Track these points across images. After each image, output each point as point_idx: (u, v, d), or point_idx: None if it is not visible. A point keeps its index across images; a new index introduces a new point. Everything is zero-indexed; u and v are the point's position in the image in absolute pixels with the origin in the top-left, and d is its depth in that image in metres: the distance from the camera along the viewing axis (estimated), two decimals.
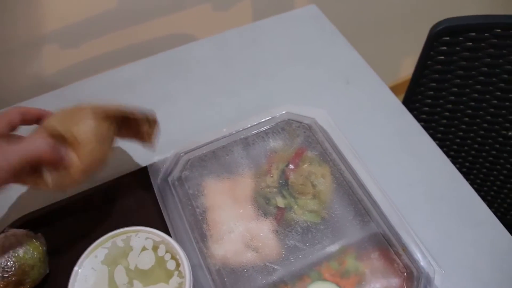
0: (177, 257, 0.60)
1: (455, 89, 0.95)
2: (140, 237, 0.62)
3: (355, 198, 0.66)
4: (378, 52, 1.46)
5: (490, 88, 0.93)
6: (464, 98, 0.95)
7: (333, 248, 0.63)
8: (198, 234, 0.64)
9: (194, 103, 0.88)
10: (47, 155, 0.55)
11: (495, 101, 0.94)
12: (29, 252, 0.62)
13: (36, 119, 0.61)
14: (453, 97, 0.96)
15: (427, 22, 0.96)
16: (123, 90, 0.92)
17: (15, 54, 1.08)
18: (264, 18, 1.05)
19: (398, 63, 1.81)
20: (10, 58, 1.08)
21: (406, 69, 1.81)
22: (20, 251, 0.61)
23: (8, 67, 1.10)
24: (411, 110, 0.87)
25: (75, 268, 0.59)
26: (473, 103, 0.96)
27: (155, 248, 0.62)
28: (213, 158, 0.71)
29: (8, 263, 0.60)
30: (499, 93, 0.92)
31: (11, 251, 0.61)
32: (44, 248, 0.65)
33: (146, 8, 1.15)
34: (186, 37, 1.25)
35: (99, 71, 1.01)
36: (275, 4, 1.30)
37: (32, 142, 0.56)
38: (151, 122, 0.66)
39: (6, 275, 0.59)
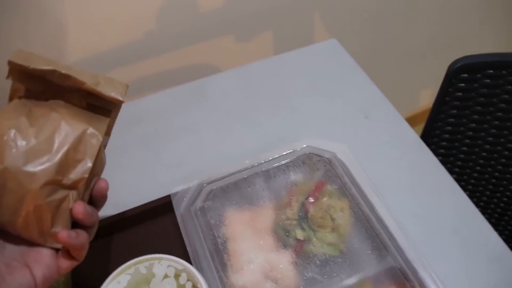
0: (198, 285, 0.61)
1: (473, 125, 0.96)
2: (162, 264, 0.64)
3: (373, 232, 0.68)
4: (397, 84, 1.48)
5: (508, 124, 0.94)
6: (482, 134, 0.97)
7: (350, 281, 0.64)
8: (218, 264, 0.66)
9: (216, 134, 0.90)
10: None
11: None
12: None
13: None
14: (471, 133, 0.97)
15: (445, 55, 0.98)
16: (146, 120, 0.95)
17: None
18: (285, 51, 1.08)
19: (417, 94, 1.83)
20: None
21: (425, 99, 1.83)
22: None
23: None
24: (429, 144, 0.88)
25: None
26: (491, 139, 0.97)
27: (176, 276, 0.64)
28: (235, 189, 0.73)
29: None
30: None
31: None
32: (68, 272, 0.66)
33: (170, 39, 1.19)
34: (208, 69, 1.29)
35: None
36: (296, 37, 1.34)
37: None
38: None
39: None
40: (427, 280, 0.63)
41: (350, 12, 1.37)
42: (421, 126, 1.04)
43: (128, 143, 0.91)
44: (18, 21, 0.99)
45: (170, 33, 1.17)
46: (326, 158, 0.75)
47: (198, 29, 1.20)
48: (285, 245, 0.67)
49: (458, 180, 0.83)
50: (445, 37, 1.63)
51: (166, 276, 0.64)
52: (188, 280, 0.63)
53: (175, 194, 0.72)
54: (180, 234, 0.70)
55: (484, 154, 0.99)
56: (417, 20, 1.53)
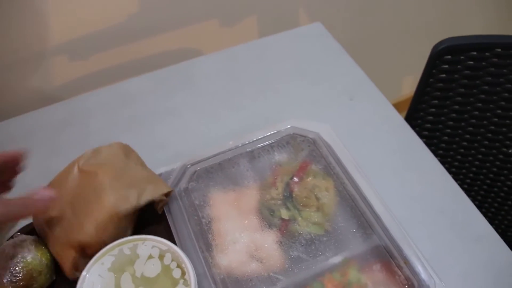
0: (183, 265, 0.61)
1: (457, 107, 0.97)
2: (146, 245, 0.64)
3: (358, 211, 0.68)
4: (381, 70, 1.48)
5: (491, 106, 0.94)
6: (465, 116, 0.97)
7: (336, 259, 0.64)
8: (203, 244, 0.65)
9: (200, 116, 0.90)
10: None
11: (496, 119, 0.95)
12: (37, 258, 0.63)
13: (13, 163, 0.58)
14: (454, 115, 0.98)
15: (430, 40, 0.98)
16: (130, 103, 0.94)
17: (24, 64, 1.10)
18: (269, 35, 1.07)
19: (401, 81, 1.84)
20: (19, 68, 1.11)
21: (409, 87, 1.83)
22: (29, 257, 0.62)
23: (16, 77, 1.13)
24: (413, 126, 0.88)
25: (83, 273, 0.60)
26: (474, 121, 0.97)
27: (161, 257, 0.63)
28: (219, 170, 0.72)
29: (17, 268, 0.61)
30: (499, 111, 0.94)
31: (19, 256, 0.62)
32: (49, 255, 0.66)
33: (154, 23, 1.17)
34: (193, 52, 1.27)
35: (106, 84, 1.03)
36: (280, 21, 1.33)
37: None
38: None
39: (14, 280, 0.60)
40: (412, 258, 0.64)
41: None
42: (405, 114, 1.04)
43: (112, 125, 0.90)
44: None
45: (153, 17, 1.16)
46: (310, 138, 0.75)
47: (182, 13, 1.18)
48: (270, 225, 0.67)
49: (442, 162, 0.83)
50: (432, 22, 1.64)
51: (150, 256, 0.64)
52: (172, 260, 0.62)
53: (159, 175, 0.71)
54: (165, 215, 0.69)
55: (468, 136, 1.00)
56: (404, 3, 1.53)
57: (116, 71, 1.21)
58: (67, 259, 0.64)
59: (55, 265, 0.66)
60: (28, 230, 0.71)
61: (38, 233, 0.68)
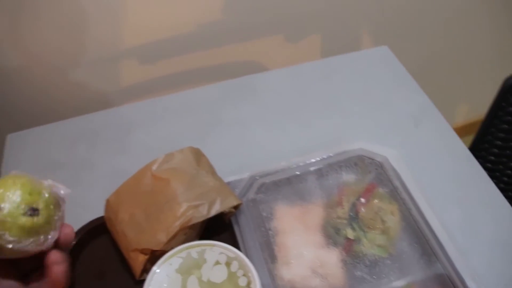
0: (249, 274, 0.62)
1: None
2: (214, 251, 0.66)
3: (423, 238, 0.68)
4: (442, 95, 1.47)
5: None
6: None
7: (399, 283, 0.65)
8: (268, 255, 0.67)
9: (266, 129, 0.92)
10: None
11: None
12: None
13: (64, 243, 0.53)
14: None
15: (496, 72, 0.98)
16: (197, 110, 0.97)
17: (96, 64, 1.15)
18: (331, 55, 1.09)
19: (456, 108, 1.82)
20: (91, 67, 1.16)
21: (463, 115, 1.81)
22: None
23: (88, 76, 1.18)
24: (476, 157, 0.88)
25: (154, 268, 0.62)
26: None
27: (228, 264, 0.65)
28: (287, 185, 0.74)
29: None
30: None
31: None
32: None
33: (222, 34, 1.21)
34: (256, 65, 1.30)
35: (170, 90, 1.06)
36: (343, 43, 1.35)
37: None
38: None
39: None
40: None
41: (402, 20, 1.37)
42: (470, 138, 1.04)
43: (179, 130, 0.93)
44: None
45: (220, 28, 1.19)
46: (378, 161, 0.76)
47: (249, 26, 1.22)
48: (334, 243, 0.68)
49: (504, 192, 0.83)
50: (504, 53, 1.62)
51: (217, 262, 0.66)
52: (239, 268, 0.64)
53: (227, 184, 0.73)
54: (231, 223, 0.71)
55: None
56: (472, 33, 1.52)
57: (180, 78, 1.25)
58: (138, 263, 0.66)
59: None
60: (99, 223, 0.74)
61: (109, 230, 0.71)
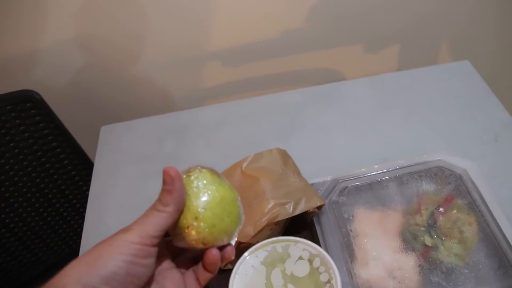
0: (331, 271, 0.67)
1: None
2: (298, 247, 0.70)
3: (500, 250, 0.70)
4: None
5: None
6: None
7: None
8: (348, 255, 0.71)
9: (347, 136, 0.96)
10: None
11: None
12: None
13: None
14: None
15: None
16: (281, 114, 1.02)
17: (185, 64, 1.23)
18: (407, 68, 1.11)
19: None
20: (180, 67, 1.23)
21: None
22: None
23: (177, 76, 1.25)
24: None
25: (245, 254, 0.68)
26: None
27: (310, 260, 0.70)
28: (368, 189, 0.78)
29: None
30: None
31: None
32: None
33: (304, 41, 1.26)
34: (334, 73, 1.34)
35: (250, 92, 1.12)
36: (421, 56, 1.36)
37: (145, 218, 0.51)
38: None
39: None
40: None
41: (483, 33, 1.36)
42: None
43: (263, 131, 0.99)
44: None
45: (303, 36, 1.24)
46: (458, 173, 0.78)
47: (330, 35, 1.26)
48: (412, 249, 0.71)
49: None
50: None
51: (300, 258, 0.70)
52: (321, 264, 0.69)
53: (312, 185, 0.78)
54: (313, 222, 0.76)
55: None
56: None
57: (261, 82, 1.31)
58: None
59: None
60: None
61: None
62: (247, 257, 0.69)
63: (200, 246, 0.51)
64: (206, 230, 0.50)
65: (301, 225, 0.78)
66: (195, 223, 0.50)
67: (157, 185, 0.87)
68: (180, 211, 0.50)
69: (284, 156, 0.78)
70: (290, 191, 0.73)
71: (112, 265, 0.45)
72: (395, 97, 1.03)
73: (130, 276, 0.46)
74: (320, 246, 0.71)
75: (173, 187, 0.49)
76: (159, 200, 0.50)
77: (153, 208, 0.50)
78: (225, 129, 1.02)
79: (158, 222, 0.49)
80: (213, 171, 0.54)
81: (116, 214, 0.89)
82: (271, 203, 0.70)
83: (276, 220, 0.70)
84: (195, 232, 0.50)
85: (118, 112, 1.26)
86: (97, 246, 0.47)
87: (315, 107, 1.03)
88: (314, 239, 0.74)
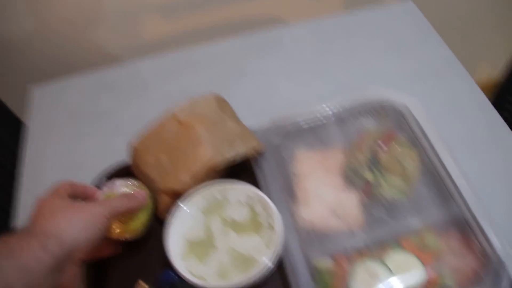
0: (270, 213, 0.65)
1: None
2: (237, 191, 0.68)
3: (440, 181, 0.69)
4: (470, 51, 1.45)
5: None
6: None
7: (415, 223, 0.66)
8: (289, 196, 0.69)
9: (289, 80, 0.93)
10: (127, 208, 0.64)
11: None
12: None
13: (83, 196, 0.65)
14: None
15: None
16: (221, 62, 0.99)
17: (118, 19, 1.16)
18: (354, 8, 1.08)
19: (478, 65, 1.79)
20: (117, 21, 1.17)
21: (484, 71, 1.78)
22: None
23: (116, 30, 1.19)
24: (498, 109, 0.88)
25: (179, 204, 0.66)
26: None
27: (250, 203, 0.68)
28: (308, 130, 0.76)
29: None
30: None
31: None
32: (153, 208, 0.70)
33: None
34: (276, 19, 1.29)
35: (193, 43, 1.07)
36: None
37: (114, 200, 0.63)
38: None
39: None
40: (490, 233, 0.65)
41: None
42: (491, 96, 1.03)
43: (202, 84, 0.95)
44: None
45: None
46: (399, 108, 0.77)
47: None
48: (354, 186, 0.70)
49: None
50: None
51: (239, 202, 0.68)
52: (261, 207, 0.67)
53: (250, 130, 0.75)
54: (253, 168, 0.73)
55: None
56: None
57: (203, 32, 1.25)
58: (163, 204, 0.69)
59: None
60: (123, 167, 0.77)
61: (135, 174, 0.74)
62: (182, 206, 0.66)
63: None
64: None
65: (241, 171, 0.75)
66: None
67: (95, 144, 0.83)
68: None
69: (221, 102, 0.75)
70: (227, 136, 0.70)
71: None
72: (337, 40, 1.01)
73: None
74: (261, 190, 0.69)
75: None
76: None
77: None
78: (164, 81, 0.97)
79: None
80: None
81: (54, 175, 0.84)
82: (208, 150, 0.67)
83: (214, 167, 0.67)
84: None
85: (48, 69, 1.18)
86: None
87: (255, 54, 0.99)
88: (255, 184, 0.71)
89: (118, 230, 0.66)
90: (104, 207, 0.59)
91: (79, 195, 0.64)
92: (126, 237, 0.67)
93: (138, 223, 0.67)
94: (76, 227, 0.55)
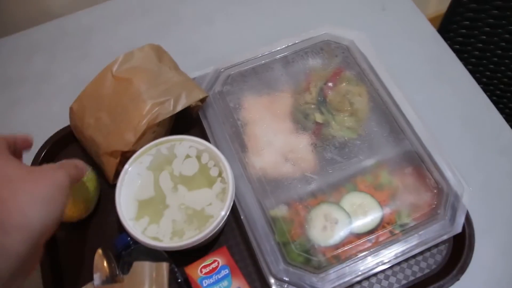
0: (220, 164, 0.62)
1: (491, 20, 0.94)
2: (184, 145, 0.65)
3: (391, 117, 0.68)
4: None
5: None
6: (499, 30, 0.95)
7: (368, 162, 0.66)
8: (238, 145, 0.67)
9: (232, 23, 0.89)
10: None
11: None
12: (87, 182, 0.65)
13: (22, 147, 0.51)
14: (488, 28, 0.96)
15: None
16: (158, 10, 0.93)
17: None
18: None
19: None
20: None
21: (435, 5, 1.77)
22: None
23: None
24: (445, 39, 0.87)
25: (125, 166, 0.62)
26: (507, 36, 0.95)
27: (198, 156, 0.65)
28: (253, 75, 0.72)
29: None
30: None
31: None
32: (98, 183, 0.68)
33: None
34: None
35: None
36: None
37: (67, 164, 0.49)
38: None
39: None
40: (442, 164, 0.65)
41: None
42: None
43: (141, 30, 0.89)
44: None
45: None
46: (344, 45, 0.74)
47: None
48: (304, 128, 0.68)
49: (472, 74, 0.83)
50: None
51: (187, 156, 0.65)
52: (210, 159, 0.64)
53: (193, 79, 0.71)
54: (199, 118, 0.70)
55: (499, 51, 0.98)
56: None
57: None
58: (109, 167, 0.66)
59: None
60: (66, 133, 0.72)
61: (77, 138, 0.70)
62: (129, 168, 0.63)
63: None
64: None
65: (187, 123, 0.72)
66: None
67: (33, 111, 0.77)
68: None
69: (159, 51, 0.71)
70: (168, 87, 0.66)
71: None
72: None
73: None
74: (209, 141, 0.66)
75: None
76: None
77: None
78: (98, 35, 0.91)
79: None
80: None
81: None
82: (149, 104, 0.64)
83: (157, 121, 0.63)
84: None
85: None
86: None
87: None
88: (203, 134, 0.68)
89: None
90: (64, 171, 0.45)
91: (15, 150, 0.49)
92: (74, 219, 0.64)
93: (86, 201, 0.64)
94: (43, 206, 0.40)
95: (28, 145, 0.52)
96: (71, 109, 0.69)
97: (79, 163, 0.55)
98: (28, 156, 0.70)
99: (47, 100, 0.83)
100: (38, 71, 0.88)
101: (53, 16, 0.95)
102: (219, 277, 0.59)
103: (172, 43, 0.77)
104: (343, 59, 0.73)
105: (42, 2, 1.11)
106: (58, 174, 0.44)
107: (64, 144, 0.73)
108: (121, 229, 0.60)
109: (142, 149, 0.64)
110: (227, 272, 0.59)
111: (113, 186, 0.63)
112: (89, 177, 0.65)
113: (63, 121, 0.71)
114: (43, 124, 0.74)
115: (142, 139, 0.65)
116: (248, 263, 0.63)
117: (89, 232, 0.67)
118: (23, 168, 0.43)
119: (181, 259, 0.61)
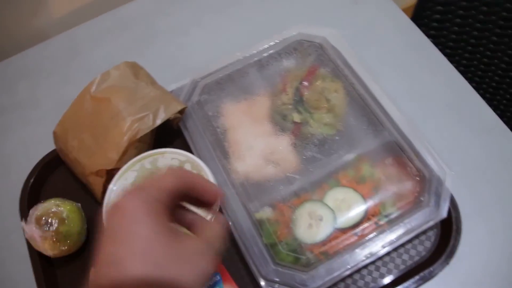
0: (203, 173, 0.63)
1: (464, 3, 0.95)
2: (166, 158, 0.66)
3: (368, 110, 0.69)
4: None
5: (500, 0, 0.93)
6: (472, 12, 0.95)
7: (349, 157, 0.66)
8: (220, 153, 0.67)
9: (206, 32, 0.89)
10: None
11: (505, 13, 0.94)
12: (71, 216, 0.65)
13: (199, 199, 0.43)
14: (462, 11, 0.96)
15: None
16: (132, 26, 0.94)
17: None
18: None
19: None
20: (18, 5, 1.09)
21: None
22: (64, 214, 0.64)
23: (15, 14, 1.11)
24: (419, 26, 0.87)
25: (110, 186, 0.63)
26: (482, 17, 0.96)
27: (181, 167, 0.66)
28: (229, 81, 0.73)
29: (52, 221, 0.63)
30: (509, 5, 0.92)
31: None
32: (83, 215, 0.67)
33: None
34: None
35: (104, 11, 1.01)
36: None
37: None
38: None
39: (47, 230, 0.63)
40: (423, 151, 0.66)
41: None
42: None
43: (118, 49, 0.90)
44: None
45: None
46: (317, 43, 0.75)
47: None
48: (283, 129, 0.69)
49: (450, 60, 0.83)
50: None
51: (170, 167, 0.66)
52: (192, 169, 0.65)
53: (170, 92, 0.72)
54: (180, 130, 0.71)
55: (476, 33, 0.99)
56: None
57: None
58: (97, 186, 0.66)
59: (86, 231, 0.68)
60: (53, 157, 0.73)
61: (63, 161, 0.71)
62: (114, 187, 0.64)
63: None
64: None
65: (169, 135, 0.73)
66: None
67: (19, 138, 0.77)
68: None
69: (134, 68, 0.72)
70: (146, 103, 0.67)
71: None
72: None
73: None
74: (191, 151, 0.67)
75: None
76: None
77: None
78: (78, 57, 0.92)
79: None
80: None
81: None
82: (128, 121, 0.65)
83: (138, 136, 0.64)
84: None
85: None
86: None
87: (166, 10, 0.94)
88: (186, 145, 0.69)
89: (55, 251, 0.63)
90: (211, 256, 0.38)
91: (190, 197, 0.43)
92: (65, 253, 0.65)
93: (74, 239, 0.65)
94: None
95: (214, 200, 0.44)
96: (54, 133, 0.70)
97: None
98: (18, 182, 0.72)
99: (34, 126, 0.84)
100: (22, 98, 0.89)
101: (32, 44, 0.96)
102: (210, 284, 0.59)
103: (150, 57, 0.78)
104: (317, 57, 0.74)
105: (27, 26, 1.12)
106: (204, 262, 0.37)
107: (54, 167, 0.75)
108: None
109: (125, 166, 0.65)
110: (218, 278, 0.60)
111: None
112: (71, 211, 0.65)
113: (50, 146, 0.72)
114: (31, 150, 0.75)
115: (125, 156, 0.66)
116: (239, 267, 0.64)
117: (80, 254, 0.68)
118: (173, 247, 0.36)
119: None
